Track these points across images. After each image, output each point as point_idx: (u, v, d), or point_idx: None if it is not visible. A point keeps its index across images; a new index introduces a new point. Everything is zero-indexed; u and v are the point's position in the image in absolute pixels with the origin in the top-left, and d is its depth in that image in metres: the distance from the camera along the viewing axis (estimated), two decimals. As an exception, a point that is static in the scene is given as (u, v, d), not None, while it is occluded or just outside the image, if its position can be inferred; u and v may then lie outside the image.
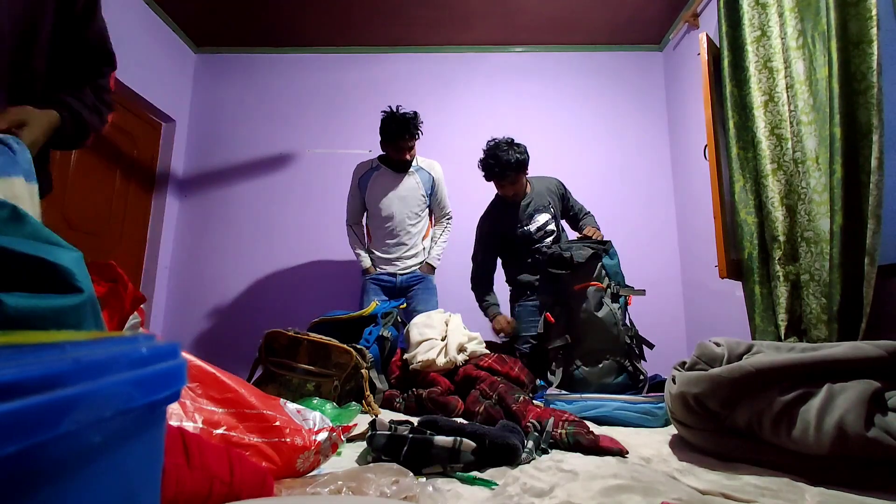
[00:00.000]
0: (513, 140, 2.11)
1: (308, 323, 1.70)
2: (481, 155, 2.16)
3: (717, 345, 0.99)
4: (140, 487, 0.29)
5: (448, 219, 2.51)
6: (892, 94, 1.65)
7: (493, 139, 2.16)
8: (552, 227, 2.18)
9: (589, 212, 2.34)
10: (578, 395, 1.32)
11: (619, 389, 1.45)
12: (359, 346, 1.42)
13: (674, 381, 1.01)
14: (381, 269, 2.37)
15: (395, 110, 2.23)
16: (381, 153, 2.38)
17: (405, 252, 2.37)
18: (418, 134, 2.28)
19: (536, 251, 2.11)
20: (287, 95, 3.33)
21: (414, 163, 2.39)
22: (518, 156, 2.03)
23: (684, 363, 1.07)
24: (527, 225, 2.17)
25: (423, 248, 2.42)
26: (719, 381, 0.89)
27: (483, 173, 2.14)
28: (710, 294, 2.69)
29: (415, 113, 2.26)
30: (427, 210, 2.44)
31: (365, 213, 2.45)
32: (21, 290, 0.42)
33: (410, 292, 2.39)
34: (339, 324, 1.67)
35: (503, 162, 2.02)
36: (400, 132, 2.21)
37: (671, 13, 2.98)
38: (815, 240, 1.66)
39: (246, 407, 0.71)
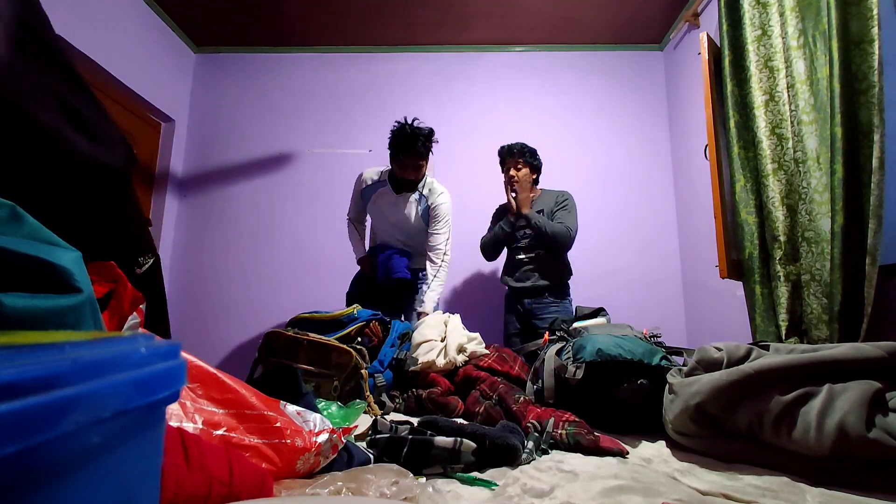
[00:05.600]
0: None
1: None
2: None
3: (717, 349, 0.99)
4: (139, 488, 0.29)
5: (442, 259, 2.13)
6: (894, 94, 1.65)
7: None
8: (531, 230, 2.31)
9: (560, 224, 2.21)
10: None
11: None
12: (358, 347, 1.41)
13: (672, 389, 1.00)
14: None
15: (407, 122, 1.98)
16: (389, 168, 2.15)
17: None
18: (428, 153, 2.01)
19: (515, 250, 2.34)
20: (287, 95, 3.33)
21: (422, 187, 2.11)
22: (523, 145, 2.31)
23: (681, 369, 1.07)
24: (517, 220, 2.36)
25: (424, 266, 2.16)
26: (719, 386, 0.89)
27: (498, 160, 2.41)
28: (710, 294, 2.69)
29: (430, 130, 1.99)
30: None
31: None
32: (20, 290, 0.41)
33: (406, 298, 2.19)
34: (320, 322, 1.60)
35: (508, 145, 2.33)
36: (406, 148, 1.95)
37: (672, 13, 2.98)
38: (815, 240, 1.66)
39: (246, 408, 0.71)
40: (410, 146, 1.94)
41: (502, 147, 2.36)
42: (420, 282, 2.17)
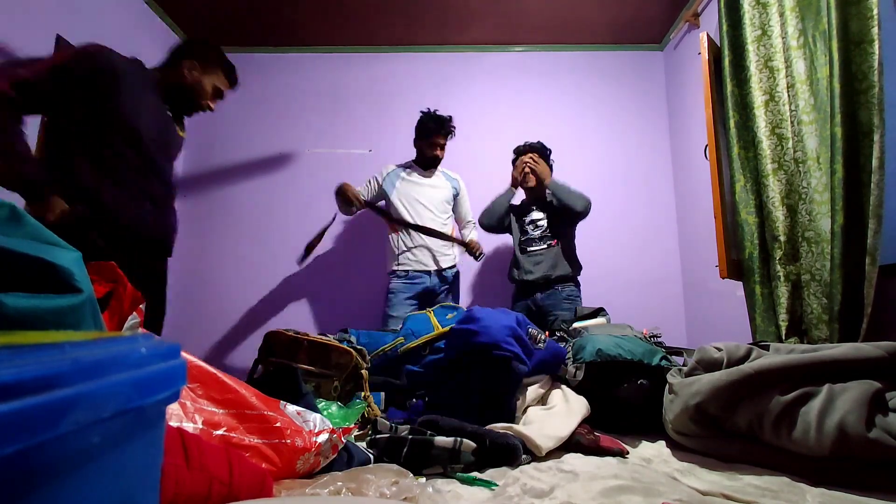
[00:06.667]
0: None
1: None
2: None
3: (717, 349, 0.99)
4: (139, 488, 0.29)
5: (474, 225, 2.58)
6: (894, 94, 1.65)
7: None
8: (543, 223, 2.41)
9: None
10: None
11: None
12: (358, 347, 1.41)
13: (672, 389, 1.00)
14: (409, 267, 2.35)
15: (431, 110, 2.42)
16: (408, 160, 2.53)
17: (434, 249, 2.38)
18: (451, 134, 2.44)
19: (524, 249, 2.40)
20: (287, 95, 3.32)
21: (445, 171, 2.53)
22: (542, 144, 2.47)
23: (681, 369, 1.07)
24: (527, 215, 2.45)
25: (452, 246, 2.46)
26: (719, 386, 0.89)
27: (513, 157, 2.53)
28: (710, 294, 2.69)
29: (450, 116, 2.43)
30: (450, 216, 2.52)
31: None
32: (21, 290, 0.41)
33: (441, 297, 2.40)
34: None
35: (527, 143, 2.48)
36: (437, 126, 2.37)
37: (672, 13, 2.98)
38: (815, 240, 1.66)
39: (247, 408, 0.71)
40: (440, 125, 2.37)
41: (520, 146, 2.49)
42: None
